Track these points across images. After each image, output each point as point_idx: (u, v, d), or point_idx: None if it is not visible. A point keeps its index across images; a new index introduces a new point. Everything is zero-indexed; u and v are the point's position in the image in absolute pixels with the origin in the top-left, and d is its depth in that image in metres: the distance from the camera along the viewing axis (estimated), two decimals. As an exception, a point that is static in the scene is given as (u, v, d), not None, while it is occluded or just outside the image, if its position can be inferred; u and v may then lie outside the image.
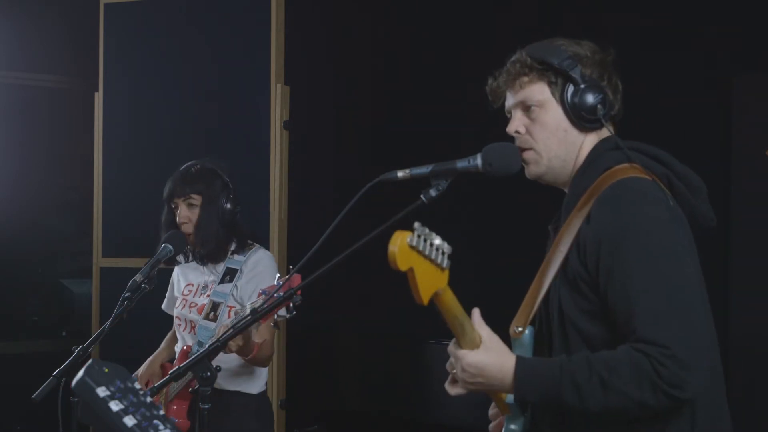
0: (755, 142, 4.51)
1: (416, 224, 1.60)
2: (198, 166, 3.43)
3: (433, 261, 1.61)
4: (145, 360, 3.57)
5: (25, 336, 5.84)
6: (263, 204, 4.37)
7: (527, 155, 2.11)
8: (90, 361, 1.53)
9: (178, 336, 3.52)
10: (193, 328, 3.43)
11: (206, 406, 2.34)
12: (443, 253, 1.63)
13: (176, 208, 3.38)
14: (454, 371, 1.98)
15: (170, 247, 3.21)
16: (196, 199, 3.37)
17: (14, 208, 5.63)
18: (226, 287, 3.40)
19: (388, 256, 1.55)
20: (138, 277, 3.11)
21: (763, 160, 4.46)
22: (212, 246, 3.39)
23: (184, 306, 3.47)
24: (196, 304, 3.44)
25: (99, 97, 4.71)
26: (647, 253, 1.90)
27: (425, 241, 1.59)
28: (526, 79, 2.10)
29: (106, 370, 1.48)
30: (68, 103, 5.69)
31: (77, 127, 5.34)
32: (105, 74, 4.70)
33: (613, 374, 1.83)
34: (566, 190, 2.15)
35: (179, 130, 4.53)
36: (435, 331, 4.83)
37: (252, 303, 2.88)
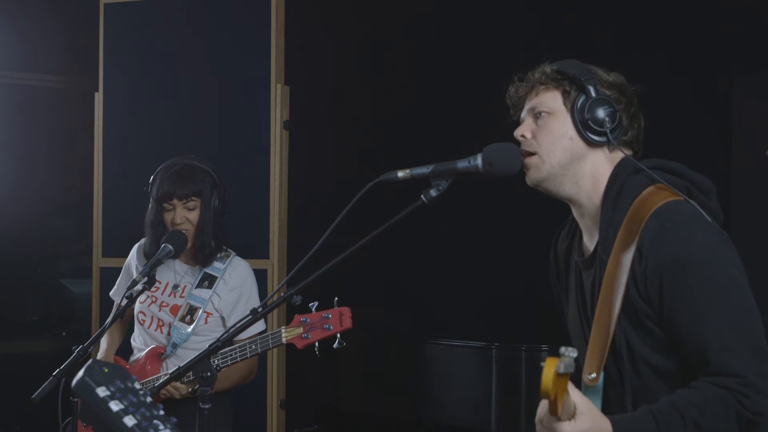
0: (755, 142, 4.51)
1: (561, 349, 1.61)
2: (189, 165, 3.38)
3: (568, 374, 1.65)
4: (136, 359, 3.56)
5: (25, 336, 5.84)
6: (263, 204, 4.37)
7: (529, 160, 2.11)
8: (90, 361, 1.53)
9: (141, 331, 3.46)
10: (161, 326, 3.41)
11: (206, 406, 2.34)
12: (573, 360, 1.64)
13: (171, 209, 3.35)
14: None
15: (171, 247, 3.20)
16: (196, 201, 3.35)
17: (14, 208, 5.63)
18: (205, 293, 3.38)
19: (542, 389, 1.60)
20: (138, 277, 3.11)
21: (763, 160, 4.46)
22: (211, 249, 3.39)
23: (153, 303, 3.43)
24: (168, 304, 3.42)
25: (99, 97, 4.71)
26: (709, 284, 1.93)
27: (568, 360, 1.62)
28: (542, 87, 2.12)
29: (106, 370, 1.48)
30: (68, 103, 5.68)
31: (77, 127, 5.34)
32: (105, 74, 4.70)
33: (705, 416, 1.87)
34: (575, 210, 2.15)
35: (179, 130, 4.54)
36: (435, 331, 4.83)
37: (286, 328, 2.91)
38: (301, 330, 2.89)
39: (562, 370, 1.60)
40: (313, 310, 2.86)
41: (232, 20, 4.52)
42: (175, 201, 3.33)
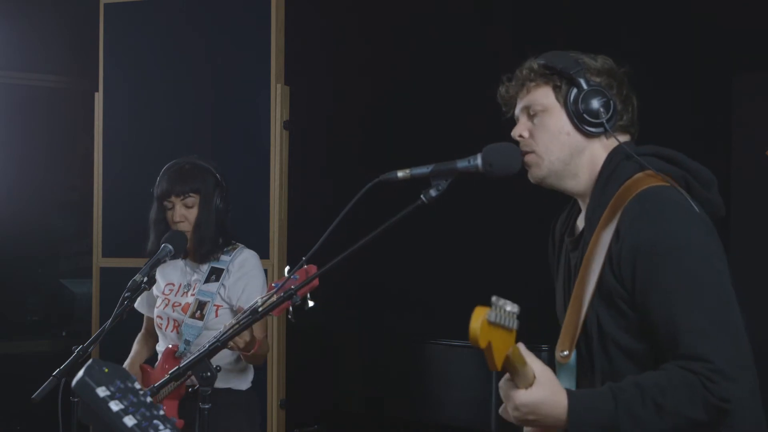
0: (755, 142, 4.51)
1: (493, 298, 1.60)
2: (191, 164, 3.40)
3: (505, 328, 1.62)
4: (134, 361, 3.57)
5: (25, 336, 5.84)
6: (263, 204, 4.37)
7: (529, 158, 2.11)
8: (90, 361, 1.53)
9: (161, 335, 3.51)
10: (176, 327, 3.43)
11: (206, 406, 2.34)
12: (514, 316, 1.63)
13: (171, 206, 3.37)
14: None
15: (170, 246, 3.20)
16: (194, 198, 3.36)
17: (14, 208, 5.63)
18: (212, 286, 3.40)
19: (470, 335, 1.58)
20: (138, 277, 3.11)
21: (763, 160, 4.46)
22: (210, 245, 3.40)
23: (167, 305, 3.46)
24: (180, 304, 3.43)
25: (99, 97, 4.71)
26: (683, 267, 1.91)
27: (500, 311, 1.60)
28: (532, 84, 2.11)
29: (106, 370, 1.48)
30: (68, 103, 5.69)
31: (77, 127, 5.34)
32: (105, 74, 4.70)
33: (666, 397, 1.84)
34: (579, 199, 2.15)
35: (179, 130, 4.53)
36: (435, 331, 4.83)
37: (263, 298, 2.88)
38: (274, 297, 2.88)
39: (492, 319, 1.58)
40: (286, 275, 2.84)
41: (232, 20, 4.52)
42: (173, 198, 3.36)
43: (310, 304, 2.69)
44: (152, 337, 3.64)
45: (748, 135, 4.53)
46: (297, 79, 4.58)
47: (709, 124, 4.60)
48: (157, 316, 3.50)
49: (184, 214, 3.36)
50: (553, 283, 2.31)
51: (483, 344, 1.61)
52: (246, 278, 3.41)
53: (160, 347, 3.52)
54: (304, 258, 2.46)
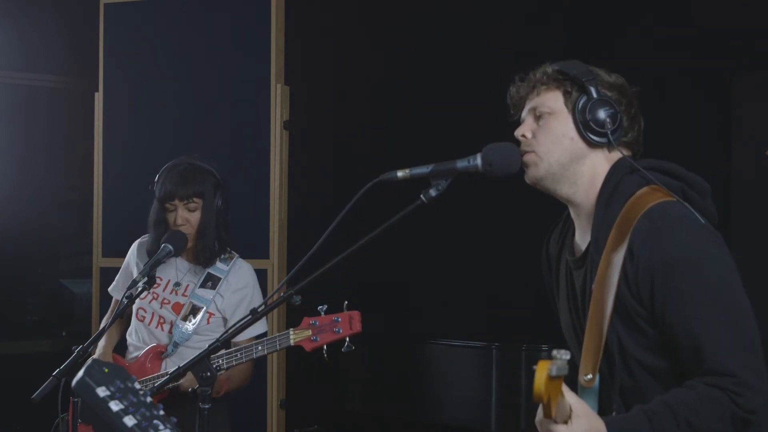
0: (755, 142, 4.51)
1: (554, 351, 1.61)
2: (192, 166, 3.39)
3: (561, 377, 1.65)
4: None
5: (25, 336, 5.84)
6: (263, 204, 4.37)
7: (528, 158, 2.11)
8: (90, 361, 1.53)
9: (140, 328, 3.46)
10: (161, 324, 3.41)
11: (206, 406, 2.34)
12: (566, 362, 1.64)
13: (173, 209, 3.35)
14: None
15: (170, 246, 3.20)
16: (197, 203, 3.35)
17: (14, 208, 5.63)
18: (208, 293, 3.39)
19: (534, 392, 1.61)
20: (138, 277, 3.11)
21: (763, 160, 4.46)
22: (213, 249, 3.39)
23: (154, 299, 3.43)
24: (170, 302, 3.42)
25: (99, 97, 4.71)
26: (700, 284, 1.94)
27: (559, 363, 1.62)
28: (543, 87, 2.13)
29: (106, 370, 1.48)
30: (68, 103, 5.68)
31: (77, 127, 5.34)
32: (105, 74, 4.70)
33: (698, 416, 1.88)
34: (572, 210, 2.15)
35: (179, 130, 4.53)
36: (435, 331, 4.83)
37: (295, 330, 2.91)
38: (309, 333, 2.90)
39: (554, 373, 1.60)
40: (323, 313, 2.87)
41: (232, 20, 4.52)
42: (176, 201, 3.34)
43: (346, 348, 2.75)
44: (120, 324, 3.59)
45: (748, 135, 4.54)
46: (297, 79, 4.58)
47: (709, 124, 4.60)
48: (140, 308, 3.45)
49: (187, 217, 3.34)
50: (553, 300, 2.31)
51: (545, 399, 1.65)
52: (245, 296, 3.43)
53: (134, 339, 3.48)
54: (346, 302, 2.51)
